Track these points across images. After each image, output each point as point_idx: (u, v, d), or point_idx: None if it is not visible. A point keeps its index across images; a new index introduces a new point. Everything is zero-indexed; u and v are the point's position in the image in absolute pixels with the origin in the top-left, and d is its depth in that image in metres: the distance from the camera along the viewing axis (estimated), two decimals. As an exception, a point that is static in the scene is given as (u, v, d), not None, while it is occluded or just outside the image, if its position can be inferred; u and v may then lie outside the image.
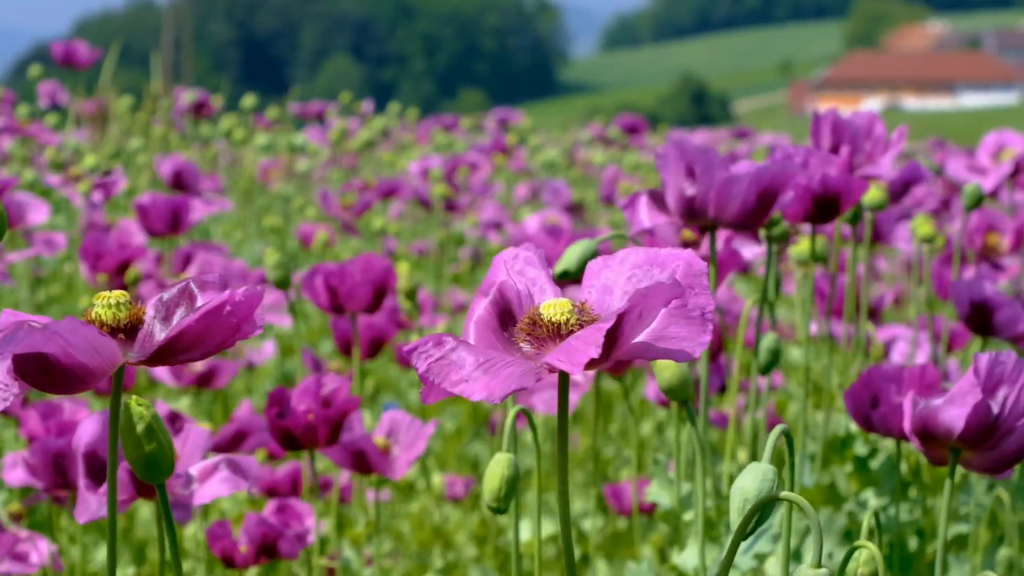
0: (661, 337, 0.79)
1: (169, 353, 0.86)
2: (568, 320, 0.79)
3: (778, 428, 0.89)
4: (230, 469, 1.26)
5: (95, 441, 1.28)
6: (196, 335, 0.85)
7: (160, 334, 0.87)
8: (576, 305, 0.81)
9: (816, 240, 1.67)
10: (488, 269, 0.86)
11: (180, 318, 0.87)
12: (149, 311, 0.88)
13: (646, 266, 0.82)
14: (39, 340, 0.81)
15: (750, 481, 0.85)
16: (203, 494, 1.25)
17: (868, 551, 1.06)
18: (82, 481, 1.26)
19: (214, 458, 1.28)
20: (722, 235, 1.66)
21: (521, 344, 0.81)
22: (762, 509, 0.85)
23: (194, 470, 1.28)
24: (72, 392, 0.85)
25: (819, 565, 0.83)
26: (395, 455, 1.73)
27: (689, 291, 0.79)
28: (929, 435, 1.13)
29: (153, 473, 0.87)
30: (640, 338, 0.79)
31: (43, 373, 0.83)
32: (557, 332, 0.79)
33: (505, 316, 0.83)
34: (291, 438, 1.58)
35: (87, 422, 1.29)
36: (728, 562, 0.86)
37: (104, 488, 1.25)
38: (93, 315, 0.86)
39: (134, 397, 0.87)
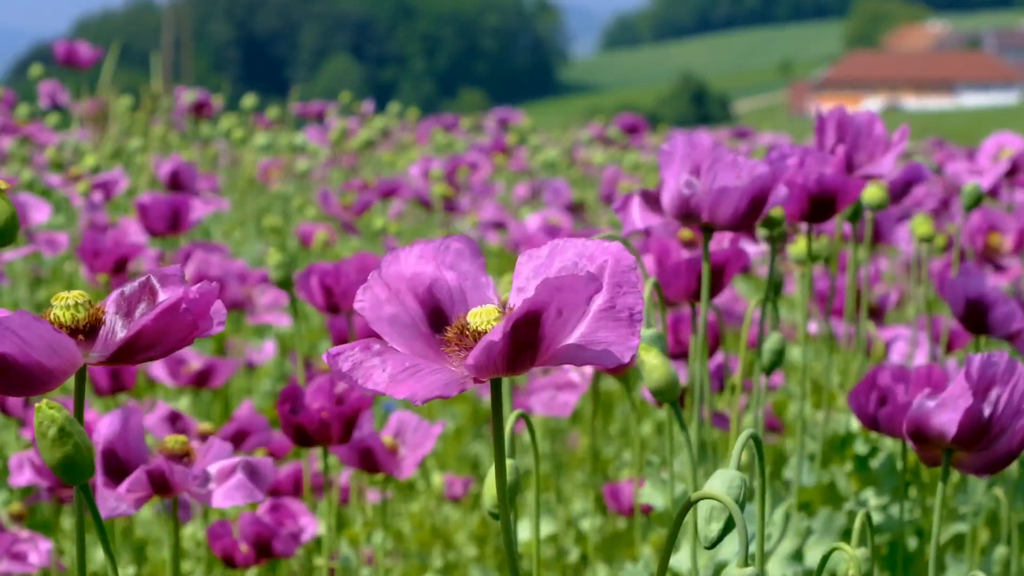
0: (591, 341, 0.76)
1: (129, 352, 0.85)
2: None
3: (745, 433, 0.88)
4: (247, 473, 1.27)
5: (113, 439, 1.29)
6: (154, 334, 0.84)
7: (121, 331, 0.86)
8: (503, 312, 0.78)
9: (817, 239, 1.67)
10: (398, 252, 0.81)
11: (142, 313, 0.86)
12: (110, 307, 0.87)
13: (575, 260, 0.79)
14: None
15: (717, 488, 0.84)
16: (219, 500, 1.26)
17: (860, 551, 1.06)
18: (100, 478, 1.27)
19: (233, 459, 1.29)
20: (728, 235, 1.66)
21: (450, 352, 0.79)
22: (729, 516, 0.84)
23: (213, 468, 1.28)
24: (33, 394, 0.84)
25: (746, 564, 0.82)
26: (402, 455, 1.73)
27: (616, 290, 0.76)
28: (922, 437, 1.13)
29: (72, 476, 0.85)
30: (571, 340, 0.76)
31: (1, 375, 0.82)
32: None
33: (436, 317, 0.80)
34: (304, 434, 1.58)
35: (106, 420, 1.30)
36: (664, 562, 0.86)
37: (122, 486, 1.26)
38: (52, 317, 0.85)
39: (44, 400, 0.84)
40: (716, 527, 0.84)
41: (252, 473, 1.27)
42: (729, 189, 1.29)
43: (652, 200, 1.39)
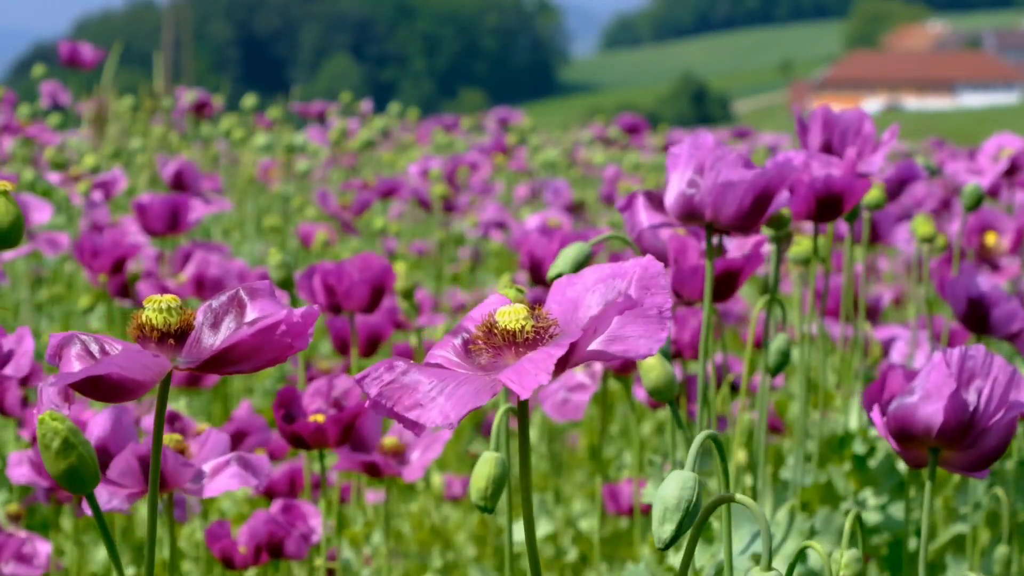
0: (616, 337, 0.78)
1: (220, 363, 0.85)
2: (523, 327, 0.78)
3: (703, 433, 0.88)
4: (241, 465, 1.27)
5: (105, 437, 1.29)
6: (249, 349, 0.84)
7: (208, 340, 0.86)
8: (532, 311, 0.79)
9: (817, 239, 1.67)
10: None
11: (229, 326, 0.87)
12: (198, 317, 0.87)
13: (608, 279, 0.81)
14: (95, 369, 0.81)
15: (671, 489, 0.84)
16: (213, 488, 1.26)
17: (851, 552, 1.06)
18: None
19: (226, 455, 1.29)
20: (752, 239, 1.65)
21: (478, 355, 0.80)
22: (684, 516, 0.84)
23: (207, 467, 1.28)
24: (122, 401, 0.85)
25: (769, 567, 0.83)
26: (407, 457, 1.72)
27: (644, 292, 0.79)
28: (907, 434, 1.11)
29: (76, 486, 0.85)
30: (597, 342, 0.78)
31: (94, 387, 0.83)
32: (512, 340, 0.78)
33: (467, 343, 0.82)
34: (300, 440, 1.58)
35: (98, 418, 1.31)
36: (686, 564, 0.86)
37: (112, 469, 1.26)
38: (143, 319, 0.85)
39: (48, 411, 0.85)
40: (669, 528, 0.84)
41: (246, 464, 1.27)
42: (733, 184, 1.28)
43: (656, 200, 1.39)
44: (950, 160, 4.25)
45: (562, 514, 2.44)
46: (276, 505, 1.71)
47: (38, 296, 3.18)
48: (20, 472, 1.59)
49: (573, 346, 0.76)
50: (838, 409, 1.95)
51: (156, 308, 0.85)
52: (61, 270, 3.41)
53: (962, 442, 1.10)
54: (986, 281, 1.69)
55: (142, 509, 2.24)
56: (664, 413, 2.82)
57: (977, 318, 1.69)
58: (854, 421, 1.83)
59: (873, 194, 1.79)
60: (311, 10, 69.78)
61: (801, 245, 1.72)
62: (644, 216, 1.39)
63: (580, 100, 59.30)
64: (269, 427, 2.01)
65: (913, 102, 51.33)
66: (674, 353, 1.87)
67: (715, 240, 1.50)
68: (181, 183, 3.04)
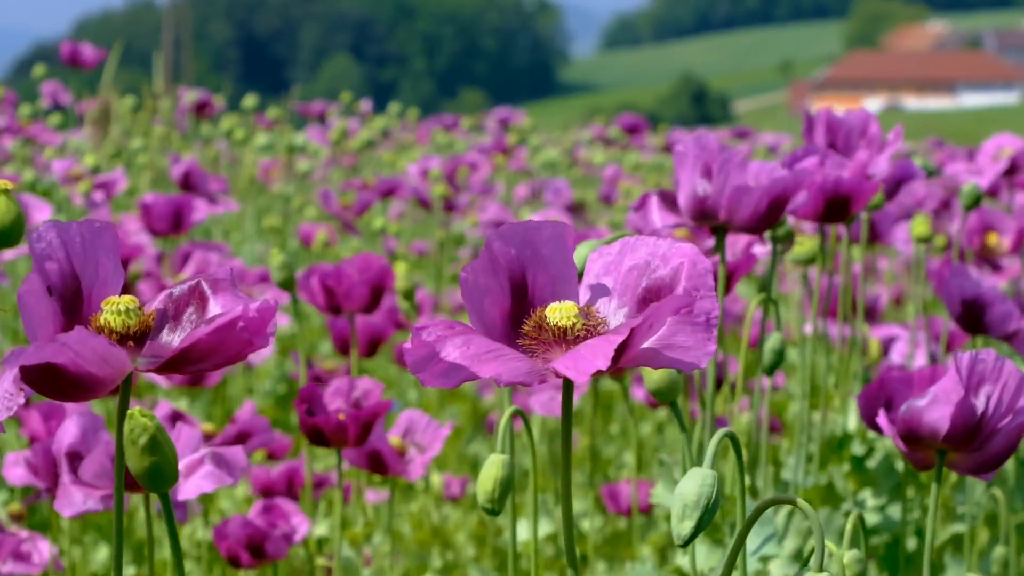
0: (668, 346, 0.77)
1: (180, 363, 0.84)
2: (574, 325, 0.78)
3: (721, 431, 0.88)
4: (215, 463, 1.26)
5: (76, 442, 1.29)
6: (208, 348, 0.83)
7: (168, 334, 0.85)
8: (582, 309, 0.79)
9: (815, 240, 1.67)
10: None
11: (190, 317, 0.86)
12: (157, 305, 0.86)
13: (646, 259, 0.81)
14: (48, 352, 0.80)
15: (690, 486, 0.84)
16: (187, 490, 1.26)
17: (852, 552, 1.06)
18: (66, 477, 1.27)
19: (200, 452, 1.28)
20: (742, 239, 1.66)
21: (526, 344, 0.80)
22: (704, 513, 0.83)
23: (180, 465, 1.28)
24: (80, 400, 0.83)
25: (820, 569, 0.83)
26: (411, 456, 1.73)
27: (694, 293, 0.78)
28: (915, 437, 1.12)
29: (157, 484, 0.84)
30: (647, 344, 0.78)
31: (51, 382, 0.82)
32: (563, 337, 0.78)
33: (519, 296, 0.81)
34: (321, 436, 1.58)
35: (68, 424, 1.30)
36: (732, 559, 0.86)
37: (84, 468, 1.26)
38: (102, 321, 0.84)
39: (138, 408, 0.84)
40: (689, 525, 0.84)
41: (220, 461, 1.27)
42: (750, 189, 1.29)
43: (670, 200, 1.39)
44: (950, 160, 4.25)
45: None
46: (256, 507, 1.71)
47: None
48: (16, 473, 1.59)
49: (631, 336, 0.75)
50: (836, 410, 1.95)
51: (114, 310, 0.84)
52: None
53: (969, 446, 1.11)
54: (982, 282, 1.70)
55: (142, 510, 2.25)
56: (663, 413, 2.82)
57: (972, 319, 1.70)
58: (852, 422, 1.83)
59: (873, 195, 1.79)
60: (311, 10, 69.77)
61: (804, 245, 1.72)
62: (658, 216, 1.39)
63: (580, 100, 59.29)
64: (272, 428, 2.01)
65: (913, 102, 51.31)
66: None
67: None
68: (189, 184, 3.05)
